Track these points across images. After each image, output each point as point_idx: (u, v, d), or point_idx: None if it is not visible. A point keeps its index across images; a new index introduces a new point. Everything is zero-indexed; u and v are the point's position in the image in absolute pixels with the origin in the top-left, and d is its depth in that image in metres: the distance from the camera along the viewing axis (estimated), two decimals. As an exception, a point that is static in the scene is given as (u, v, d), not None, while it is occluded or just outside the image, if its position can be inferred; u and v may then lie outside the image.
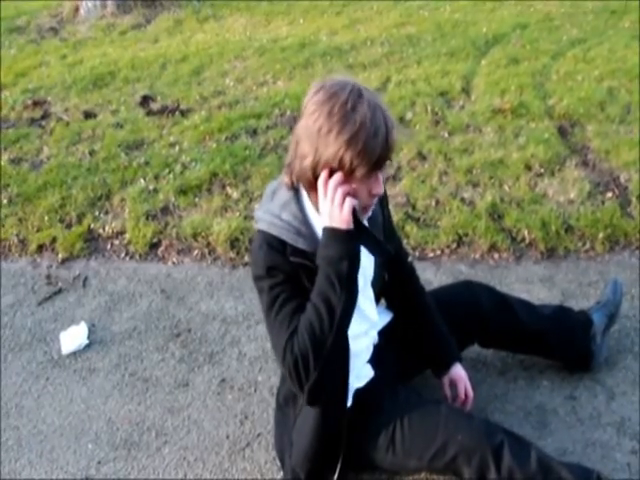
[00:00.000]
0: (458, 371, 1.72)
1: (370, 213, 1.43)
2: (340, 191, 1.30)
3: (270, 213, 1.39)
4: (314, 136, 1.27)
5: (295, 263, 1.35)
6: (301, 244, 1.37)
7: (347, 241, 1.32)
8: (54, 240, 2.87)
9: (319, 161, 1.29)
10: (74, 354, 2.24)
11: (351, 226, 1.32)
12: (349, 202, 1.31)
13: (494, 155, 3.19)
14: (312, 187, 1.35)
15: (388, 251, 1.45)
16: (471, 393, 1.73)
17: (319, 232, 1.39)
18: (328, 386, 1.39)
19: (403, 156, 3.23)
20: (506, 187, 2.96)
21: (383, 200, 1.58)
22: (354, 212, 1.33)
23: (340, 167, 1.29)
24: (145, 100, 4.21)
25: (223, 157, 3.34)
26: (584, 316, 1.93)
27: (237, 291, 2.49)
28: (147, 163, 3.40)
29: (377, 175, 1.34)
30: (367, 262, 1.48)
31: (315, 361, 1.31)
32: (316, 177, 1.31)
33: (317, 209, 1.39)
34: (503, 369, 2.02)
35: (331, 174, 1.30)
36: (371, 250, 1.42)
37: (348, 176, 1.30)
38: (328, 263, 1.32)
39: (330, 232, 1.32)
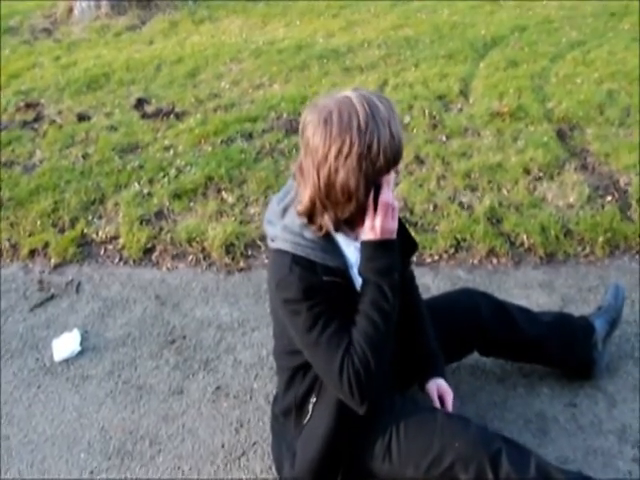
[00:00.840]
0: (436, 386, 1.68)
1: None
2: (391, 203, 1.32)
3: (290, 232, 1.37)
4: (356, 167, 1.26)
5: (328, 281, 1.35)
6: (330, 262, 1.37)
7: (395, 250, 1.37)
8: (46, 245, 2.85)
9: (368, 184, 1.29)
10: (66, 361, 2.23)
11: (395, 235, 1.36)
12: (397, 212, 1.35)
13: (492, 159, 3.19)
14: (361, 218, 1.35)
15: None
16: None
17: (343, 247, 1.41)
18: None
19: (401, 161, 3.22)
20: (505, 191, 2.96)
21: None
22: None
23: (387, 170, 1.30)
24: (140, 103, 4.21)
25: (218, 161, 3.34)
26: (585, 322, 1.93)
27: (232, 297, 2.48)
28: (141, 167, 3.40)
29: None
30: None
31: (377, 370, 1.33)
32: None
33: (340, 228, 1.39)
34: (502, 376, 2.01)
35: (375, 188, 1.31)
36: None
37: (388, 175, 1.32)
38: (379, 274, 1.34)
39: (379, 244, 1.34)
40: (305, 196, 1.33)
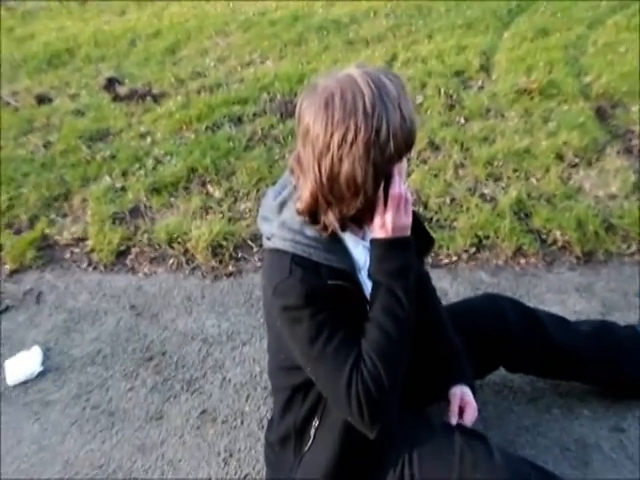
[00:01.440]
0: (468, 395, 1.65)
1: None
2: (404, 196, 1.33)
3: (289, 229, 1.37)
4: (362, 155, 1.25)
5: (333, 285, 1.34)
6: (335, 263, 1.36)
7: (409, 249, 1.37)
8: (0, 248, 2.85)
9: (377, 175, 1.28)
10: (24, 384, 2.21)
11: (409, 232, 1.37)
12: (410, 205, 1.35)
13: (519, 143, 3.18)
14: (369, 214, 1.36)
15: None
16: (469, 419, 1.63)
17: (350, 247, 1.41)
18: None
19: (413, 146, 3.21)
20: (534, 180, 2.95)
21: None
22: None
23: (398, 157, 1.30)
24: (110, 83, 4.22)
25: (203, 150, 3.35)
26: (632, 332, 1.91)
27: (220, 306, 2.48)
28: (113, 157, 3.40)
29: None
30: None
31: (390, 387, 1.33)
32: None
33: (347, 226, 1.39)
34: (534, 395, 2.00)
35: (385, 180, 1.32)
36: None
37: (399, 163, 1.32)
38: (391, 277, 1.35)
39: (390, 243, 1.35)
40: (305, 192, 1.33)
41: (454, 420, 1.58)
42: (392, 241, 1.35)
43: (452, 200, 2.88)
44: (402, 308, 1.34)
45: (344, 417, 1.39)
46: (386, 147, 1.25)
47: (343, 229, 1.38)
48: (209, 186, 3.12)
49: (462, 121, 3.46)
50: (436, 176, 3.03)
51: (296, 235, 1.35)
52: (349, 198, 1.30)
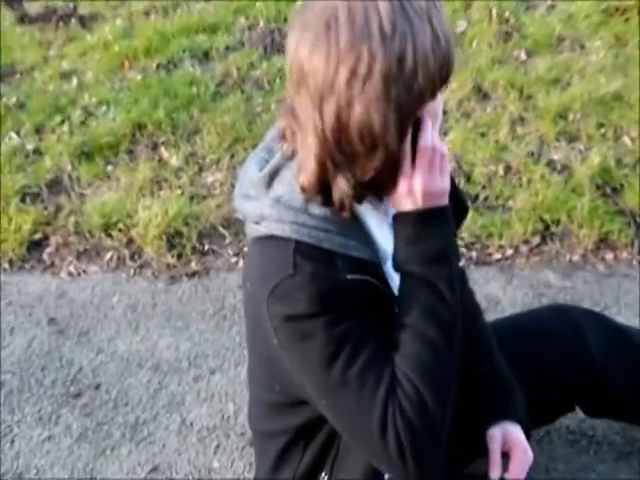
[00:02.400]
0: (516, 434, 1.65)
1: None
2: (438, 149, 1.33)
3: (287, 207, 1.36)
4: (381, 94, 1.23)
5: (354, 282, 1.34)
6: (354, 251, 1.37)
7: (450, 223, 1.39)
8: None
9: (403, 121, 1.27)
10: None
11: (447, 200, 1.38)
12: (447, 162, 1.36)
13: (606, 87, 3.18)
14: (394, 177, 1.36)
15: None
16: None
17: (372, 227, 1.42)
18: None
19: (451, 94, 3.21)
20: (627, 140, 2.96)
21: None
22: None
23: (431, 95, 1.29)
24: (15, -3, 4.23)
25: (154, 97, 3.37)
26: None
27: (179, 319, 2.49)
28: (22, 106, 3.42)
29: None
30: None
31: (440, 419, 1.34)
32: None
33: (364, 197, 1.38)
34: (626, 450, 2.00)
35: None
36: None
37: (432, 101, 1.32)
38: (427, 264, 1.36)
39: (423, 217, 1.35)
40: (308, 157, 1.32)
41: (496, 474, 1.58)
42: (425, 214, 1.35)
43: (507, 170, 2.89)
44: (447, 307, 1.36)
45: (377, 466, 1.40)
46: (413, 80, 1.24)
47: (359, 200, 1.37)
48: (163, 149, 3.14)
49: (522, 57, 3.47)
50: (484, 136, 3.03)
51: (299, 215, 1.35)
52: (364, 155, 1.29)
